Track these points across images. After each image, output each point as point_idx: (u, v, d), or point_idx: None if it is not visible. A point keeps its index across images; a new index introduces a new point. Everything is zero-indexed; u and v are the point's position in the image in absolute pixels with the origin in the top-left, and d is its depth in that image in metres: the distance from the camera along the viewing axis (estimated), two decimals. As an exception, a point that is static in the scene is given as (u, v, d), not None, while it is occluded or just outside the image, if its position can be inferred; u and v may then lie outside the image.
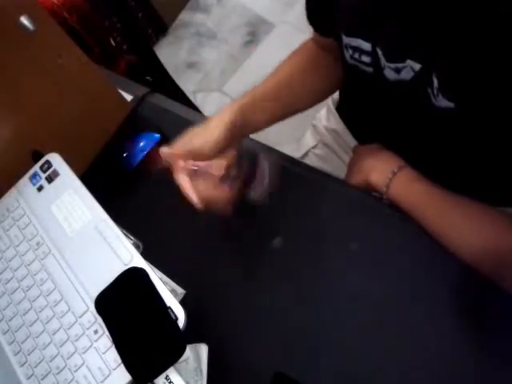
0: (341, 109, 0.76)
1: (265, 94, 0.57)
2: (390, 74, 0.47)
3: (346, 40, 0.50)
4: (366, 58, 0.49)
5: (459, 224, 0.50)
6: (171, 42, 1.90)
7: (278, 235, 0.56)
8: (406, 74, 0.46)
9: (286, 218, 0.57)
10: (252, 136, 0.65)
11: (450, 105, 0.43)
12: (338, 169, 0.73)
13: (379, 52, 0.47)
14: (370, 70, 0.50)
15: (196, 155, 0.50)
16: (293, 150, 0.80)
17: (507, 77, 0.38)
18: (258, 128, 0.57)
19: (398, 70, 0.46)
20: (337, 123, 0.76)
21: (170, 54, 1.83)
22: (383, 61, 0.47)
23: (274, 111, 0.58)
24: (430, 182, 0.53)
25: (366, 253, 0.52)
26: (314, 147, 0.79)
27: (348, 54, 0.51)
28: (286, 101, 0.60)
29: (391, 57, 0.46)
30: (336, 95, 0.77)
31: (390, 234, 0.53)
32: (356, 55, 0.50)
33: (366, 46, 0.48)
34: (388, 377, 0.46)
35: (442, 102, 0.43)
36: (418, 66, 0.44)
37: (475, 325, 0.47)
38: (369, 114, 0.64)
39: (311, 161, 0.78)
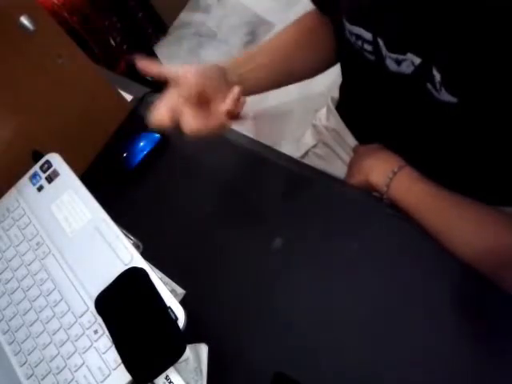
0: (341, 108, 0.76)
1: (261, 53, 0.58)
2: (391, 64, 0.47)
3: (349, 27, 0.50)
4: (368, 46, 0.49)
5: (459, 224, 0.49)
6: (171, 42, 1.90)
7: (278, 235, 0.56)
8: (407, 68, 0.46)
9: (286, 217, 0.57)
10: (252, 136, 0.65)
11: (453, 99, 0.42)
12: (338, 168, 0.73)
13: (380, 42, 0.47)
14: (372, 57, 0.50)
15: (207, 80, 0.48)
16: (293, 150, 0.80)
17: (510, 71, 0.38)
18: (253, 86, 0.57)
19: (398, 62, 0.46)
20: (337, 123, 0.76)
21: (170, 54, 1.83)
22: (384, 51, 0.47)
23: (268, 72, 0.59)
24: (431, 182, 0.53)
25: (366, 253, 0.52)
26: (314, 147, 0.79)
27: (352, 39, 0.51)
28: (280, 65, 0.60)
29: (392, 47, 0.46)
30: (336, 95, 0.77)
31: (390, 234, 0.53)
32: (359, 42, 0.50)
33: (368, 35, 0.48)
34: (388, 377, 0.46)
35: (445, 97, 0.43)
36: (418, 60, 0.44)
37: (475, 325, 0.47)
38: (369, 112, 0.64)
39: (311, 160, 0.78)
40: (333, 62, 0.67)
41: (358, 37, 0.50)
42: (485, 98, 0.41)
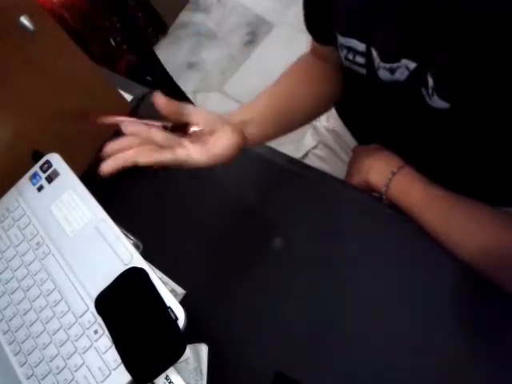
0: (340, 109, 0.76)
1: (266, 109, 0.56)
2: (384, 74, 0.47)
3: (341, 40, 0.50)
4: (359, 59, 0.49)
5: (459, 224, 0.50)
6: (171, 42, 1.89)
7: (278, 235, 0.56)
8: (401, 75, 0.46)
9: (286, 217, 0.57)
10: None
11: (445, 105, 0.43)
12: (338, 169, 0.73)
13: (374, 53, 0.47)
14: (363, 70, 0.50)
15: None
16: (293, 151, 0.80)
17: (503, 76, 0.38)
18: (260, 134, 0.55)
19: (392, 71, 0.46)
20: (337, 124, 0.76)
21: (169, 54, 1.83)
22: (377, 61, 0.47)
23: (277, 125, 0.57)
24: (430, 182, 0.53)
25: (366, 253, 0.52)
26: (314, 148, 0.79)
27: (342, 54, 0.51)
28: (287, 115, 0.58)
29: (386, 57, 0.46)
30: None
31: (390, 234, 0.53)
32: (350, 56, 0.50)
33: (361, 46, 0.48)
34: (388, 376, 0.46)
35: (437, 103, 0.43)
36: (413, 65, 0.44)
37: (475, 325, 0.47)
38: (367, 114, 0.64)
39: (311, 161, 0.78)
40: (337, 96, 0.66)
41: (350, 49, 0.49)
42: (478, 103, 0.41)
